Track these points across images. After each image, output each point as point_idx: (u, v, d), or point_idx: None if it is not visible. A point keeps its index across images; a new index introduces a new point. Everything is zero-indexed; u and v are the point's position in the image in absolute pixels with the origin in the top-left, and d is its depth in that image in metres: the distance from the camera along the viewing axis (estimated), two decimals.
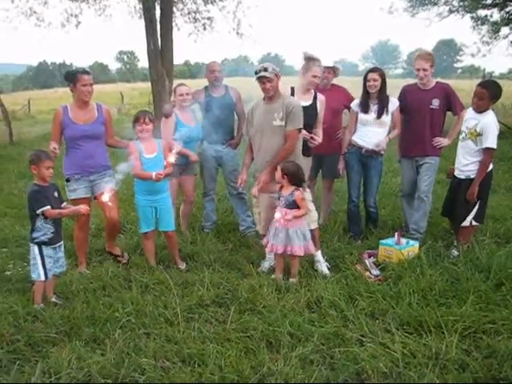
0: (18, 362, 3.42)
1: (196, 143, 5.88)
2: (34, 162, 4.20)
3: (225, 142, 6.11)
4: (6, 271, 5.00)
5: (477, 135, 5.06)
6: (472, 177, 5.14)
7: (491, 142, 4.99)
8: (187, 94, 5.77)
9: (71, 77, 4.93)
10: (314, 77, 5.38)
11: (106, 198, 4.71)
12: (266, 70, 4.84)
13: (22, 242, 5.87)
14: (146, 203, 4.99)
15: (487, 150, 5.02)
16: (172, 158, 4.92)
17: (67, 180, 5.03)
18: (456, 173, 5.34)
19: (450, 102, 5.64)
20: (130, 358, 3.41)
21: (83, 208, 4.36)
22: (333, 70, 6.09)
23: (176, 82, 18.13)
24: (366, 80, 5.63)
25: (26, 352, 3.54)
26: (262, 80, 4.87)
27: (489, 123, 5.01)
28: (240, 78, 16.57)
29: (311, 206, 5.06)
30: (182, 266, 5.11)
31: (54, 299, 4.35)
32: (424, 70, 5.53)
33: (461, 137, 5.27)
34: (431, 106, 5.58)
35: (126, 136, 5.31)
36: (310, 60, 5.39)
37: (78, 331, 3.77)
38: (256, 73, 4.89)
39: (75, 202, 4.89)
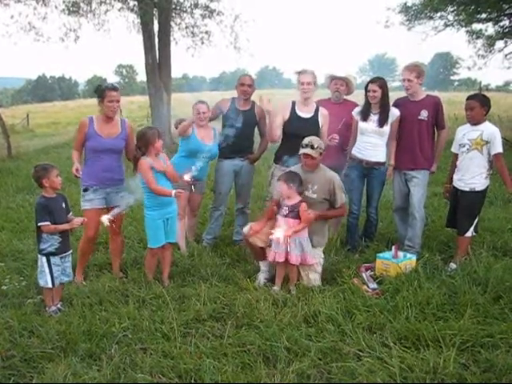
0: (13, 378, 3.40)
1: (210, 161, 5.92)
2: (43, 175, 4.35)
3: (243, 156, 6.13)
4: (2, 286, 4.96)
5: (484, 144, 5.22)
6: (477, 189, 5.27)
7: (500, 147, 5.21)
8: (204, 113, 5.77)
9: (100, 91, 5.00)
10: (302, 84, 5.55)
11: (104, 219, 4.65)
12: (312, 147, 4.85)
13: (19, 256, 5.87)
14: (158, 216, 4.97)
15: (499, 155, 5.20)
16: (187, 177, 4.98)
17: (85, 189, 5.06)
18: (458, 184, 5.41)
19: (438, 116, 5.71)
20: (126, 373, 3.40)
21: (76, 222, 4.44)
22: (345, 83, 6.05)
23: (174, 95, 18.31)
24: (366, 90, 5.68)
25: (21, 368, 3.51)
26: (305, 155, 4.89)
27: (494, 130, 5.25)
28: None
29: None
30: (166, 283, 5.03)
31: (59, 305, 4.48)
32: (408, 80, 5.61)
33: (463, 149, 5.36)
34: (419, 117, 5.62)
35: None
36: (299, 74, 5.60)
37: (74, 346, 3.75)
38: (302, 146, 4.91)
39: (87, 212, 4.93)
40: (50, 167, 4.42)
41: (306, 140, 4.93)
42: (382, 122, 5.63)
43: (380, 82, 5.66)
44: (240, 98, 6.09)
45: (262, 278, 5.12)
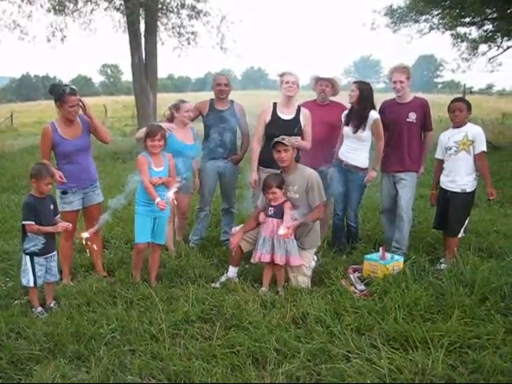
0: (0, 380, 3.36)
1: (193, 161, 5.88)
2: (35, 177, 4.35)
3: (227, 156, 6.10)
4: None
5: (470, 144, 5.30)
6: (468, 190, 5.35)
7: (484, 146, 5.30)
8: (191, 111, 5.81)
9: (58, 95, 4.90)
10: (287, 83, 5.51)
11: (86, 235, 4.71)
12: (283, 138, 4.89)
13: (5, 256, 5.81)
14: (146, 213, 4.96)
15: (482, 153, 5.29)
16: (170, 194, 4.91)
17: (64, 192, 5.03)
18: (448, 186, 5.46)
19: (426, 118, 5.75)
20: (115, 375, 3.38)
21: (61, 227, 4.44)
22: (330, 84, 5.99)
23: (159, 95, 18.23)
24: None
25: (8, 370, 3.48)
26: (277, 148, 4.91)
27: (479, 130, 5.36)
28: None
29: None
30: (154, 284, 5.00)
31: (52, 305, 4.51)
32: (400, 82, 5.63)
33: (451, 152, 5.41)
34: (408, 120, 5.66)
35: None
36: (282, 75, 5.58)
37: (62, 348, 3.72)
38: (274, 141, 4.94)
39: (67, 213, 4.93)
40: (46, 174, 4.38)
41: (275, 139, 4.97)
42: (355, 127, 5.62)
43: (358, 84, 5.70)
44: (217, 98, 6.10)
45: (223, 278, 5.09)
